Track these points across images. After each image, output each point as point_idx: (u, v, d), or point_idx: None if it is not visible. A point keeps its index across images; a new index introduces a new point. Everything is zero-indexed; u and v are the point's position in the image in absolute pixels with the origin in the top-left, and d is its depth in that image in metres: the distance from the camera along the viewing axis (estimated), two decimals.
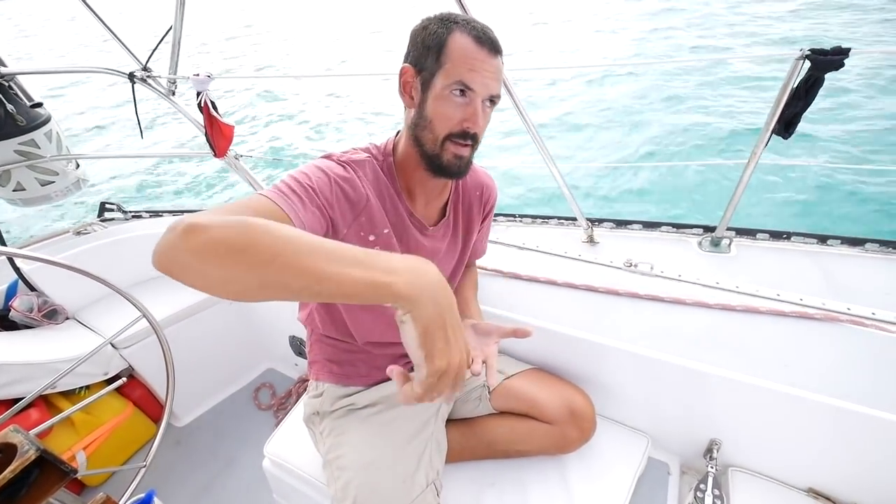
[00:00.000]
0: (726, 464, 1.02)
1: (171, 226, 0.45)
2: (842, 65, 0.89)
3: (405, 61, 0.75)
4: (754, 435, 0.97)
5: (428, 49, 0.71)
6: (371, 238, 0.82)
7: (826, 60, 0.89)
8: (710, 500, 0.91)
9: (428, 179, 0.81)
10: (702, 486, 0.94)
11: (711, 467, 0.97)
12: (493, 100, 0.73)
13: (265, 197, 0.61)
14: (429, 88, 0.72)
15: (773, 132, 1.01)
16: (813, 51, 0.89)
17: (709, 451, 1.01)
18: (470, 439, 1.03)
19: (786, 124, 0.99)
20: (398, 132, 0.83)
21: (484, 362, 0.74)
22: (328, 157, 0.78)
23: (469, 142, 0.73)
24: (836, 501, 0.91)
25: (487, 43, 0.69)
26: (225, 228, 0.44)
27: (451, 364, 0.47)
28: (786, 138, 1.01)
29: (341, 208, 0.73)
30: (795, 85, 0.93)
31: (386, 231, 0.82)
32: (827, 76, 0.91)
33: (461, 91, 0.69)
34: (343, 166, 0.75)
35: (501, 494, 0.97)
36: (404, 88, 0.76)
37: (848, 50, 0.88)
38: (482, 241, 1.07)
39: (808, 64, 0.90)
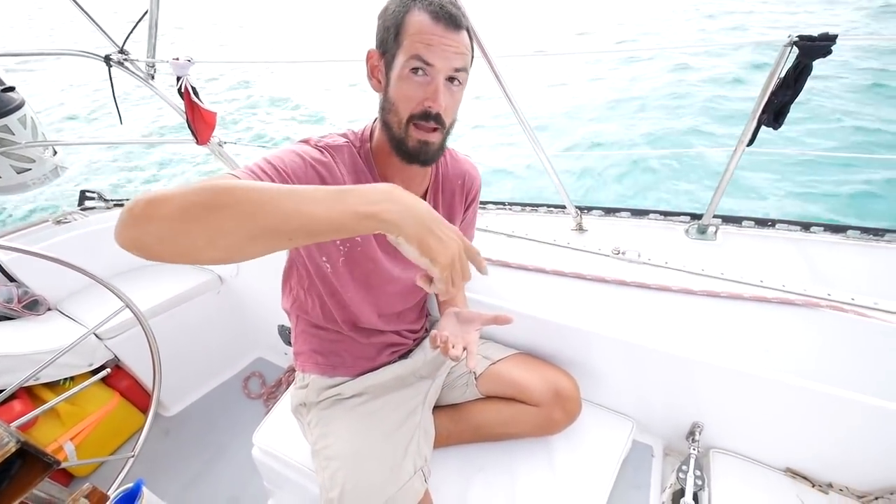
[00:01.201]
0: (708, 446, 1.04)
1: (129, 204, 0.43)
2: (829, 51, 0.89)
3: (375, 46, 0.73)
4: (735, 418, 0.99)
5: (388, 30, 0.69)
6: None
7: (814, 47, 0.88)
8: (691, 481, 0.94)
9: (404, 167, 0.78)
10: (684, 467, 0.97)
11: (693, 449, 0.99)
12: (456, 77, 0.70)
13: (233, 176, 0.59)
14: (391, 69, 0.70)
15: (762, 122, 1.01)
16: (801, 37, 0.89)
17: (691, 433, 1.03)
18: (458, 424, 1.04)
19: (775, 114, 0.99)
20: (376, 118, 0.82)
21: (465, 349, 0.75)
22: (305, 141, 0.76)
23: (433, 124, 0.70)
24: (812, 480, 0.94)
25: (445, 17, 0.67)
26: (195, 193, 0.43)
27: (452, 254, 0.51)
28: (776, 128, 1.01)
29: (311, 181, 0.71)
30: (783, 73, 0.93)
31: (363, 236, 0.81)
32: None
33: (420, 68, 0.67)
34: (320, 151, 0.74)
35: (490, 478, 0.99)
36: (371, 73, 0.75)
37: (835, 36, 0.87)
38: (468, 230, 1.07)
39: (796, 51, 0.90)
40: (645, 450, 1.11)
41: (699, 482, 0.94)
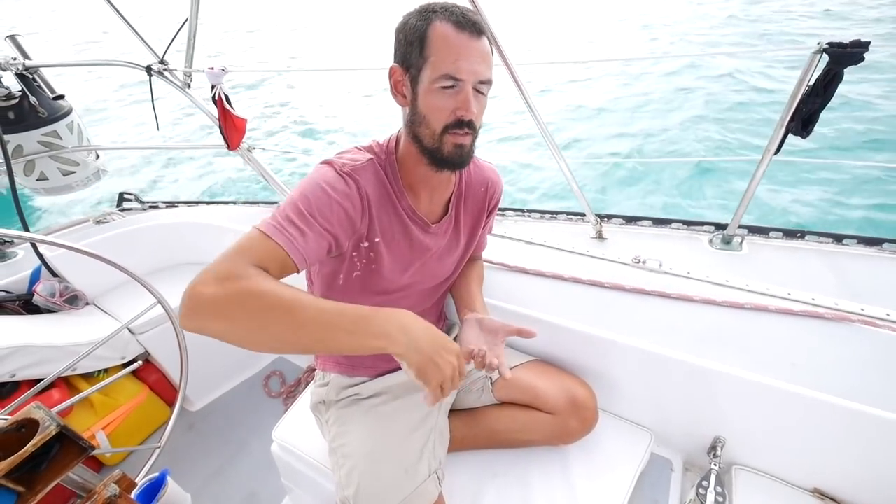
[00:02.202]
0: (730, 462, 1.01)
1: (186, 293, 0.58)
2: (861, 58, 0.86)
3: (394, 61, 0.75)
4: (759, 434, 0.96)
5: (411, 44, 0.70)
6: (365, 245, 0.83)
7: (845, 54, 0.86)
8: (712, 498, 0.91)
9: (431, 175, 0.80)
10: (704, 483, 0.94)
11: (715, 465, 0.96)
12: (483, 84, 0.71)
13: (262, 233, 0.66)
14: (418, 84, 0.71)
15: (790, 131, 0.99)
16: (831, 44, 0.87)
17: (712, 448, 1.00)
18: (473, 428, 1.04)
19: (804, 122, 0.97)
20: (400, 129, 0.83)
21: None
22: (329, 163, 0.77)
23: (466, 129, 0.72)
24: (842, 502, 0.90)
25: (468, 26, 0.67)
26: (242, 307, 0.57)
27: (444, 379, 0.63)
28: (804, 137, 0.98)
29: (342, 225, 0.74)
30: (812, 81, 0.91)
31: (388, 237, 0.83)
32: None
33: (449, 83, 0.68)
34: (344, 178, 0.75)
35: (503, 485, 0.99)
36: (395, 88, 0.76)
37: (867, 43, 0.85)
38: (484, 236, 1.07)
39: (825, 58, 0.88)
40: (663, 463, 1.08)
41: (720, 499, 0.91)
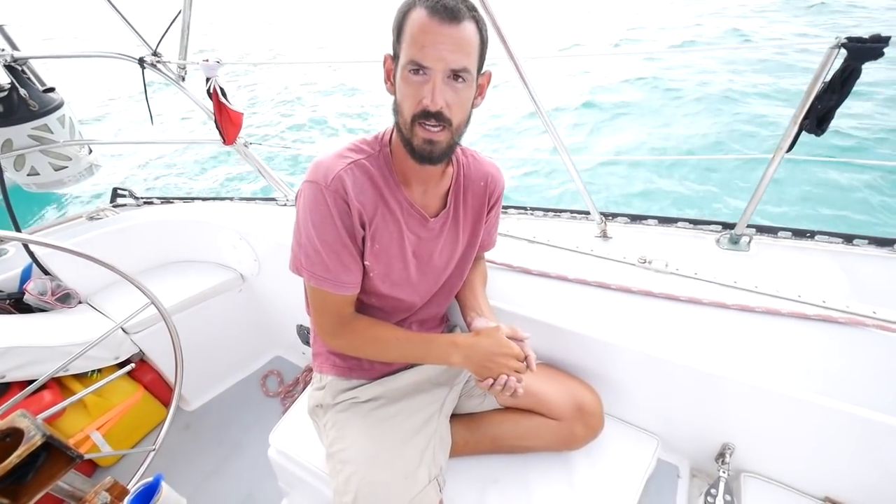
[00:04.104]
0: (739, 469, 0.99)
1: (333, 342, 0.90)
2: (881, 54, 0.83)
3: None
4: (770, 440, 0.94)
5: (394, 32, 0.70)
6: (375, 245, 0.83)
7: (864, 48, 0.83)
8: None
9: (419, 167, 0.78)
10: (713, 490, 0.92)
11: (723, 472, 0.94)
12: (459, 75, 0.67)
13: (322, 290, 0.81)
14: (397, 72, 0.71)
15: (804, 128, 0.95)
16: (850, 39, 0.84)
17: (721, 455, 0.98)
18: (474, 433, 1.02)
19: (819, 120, 0.94)
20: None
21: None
22: (314, 183, 0.76)
23: (434, 122, 0.69)
24: None
25: (441, 11, 0.64)
26: (368, 348, 0.89)
27: (495, 374, 0.81)
28: (819, 135, 0.95)
29: (349, 231, 0.79)
30: (829, 77, 0.88)
31: (385, 236, 0.83)
32: None
33: (416, 70, 0.67)
34: (334, 195, 0.75)
35: (505, 491, 0.96)
36: (387, 77, 0.75)
37: (888, 38, 0.82)
38: (491, 234, 1.04)
39: (843, 53, 0.85)
40: (670, 469, 1.06)
41: None
